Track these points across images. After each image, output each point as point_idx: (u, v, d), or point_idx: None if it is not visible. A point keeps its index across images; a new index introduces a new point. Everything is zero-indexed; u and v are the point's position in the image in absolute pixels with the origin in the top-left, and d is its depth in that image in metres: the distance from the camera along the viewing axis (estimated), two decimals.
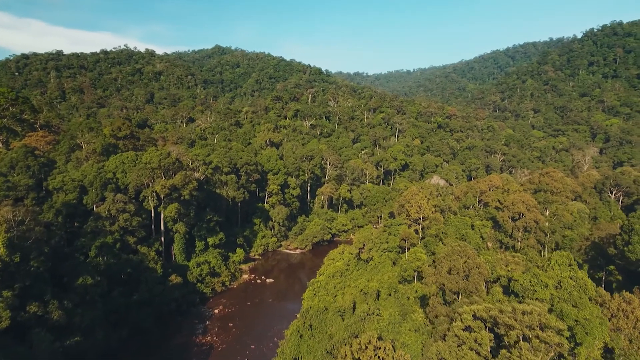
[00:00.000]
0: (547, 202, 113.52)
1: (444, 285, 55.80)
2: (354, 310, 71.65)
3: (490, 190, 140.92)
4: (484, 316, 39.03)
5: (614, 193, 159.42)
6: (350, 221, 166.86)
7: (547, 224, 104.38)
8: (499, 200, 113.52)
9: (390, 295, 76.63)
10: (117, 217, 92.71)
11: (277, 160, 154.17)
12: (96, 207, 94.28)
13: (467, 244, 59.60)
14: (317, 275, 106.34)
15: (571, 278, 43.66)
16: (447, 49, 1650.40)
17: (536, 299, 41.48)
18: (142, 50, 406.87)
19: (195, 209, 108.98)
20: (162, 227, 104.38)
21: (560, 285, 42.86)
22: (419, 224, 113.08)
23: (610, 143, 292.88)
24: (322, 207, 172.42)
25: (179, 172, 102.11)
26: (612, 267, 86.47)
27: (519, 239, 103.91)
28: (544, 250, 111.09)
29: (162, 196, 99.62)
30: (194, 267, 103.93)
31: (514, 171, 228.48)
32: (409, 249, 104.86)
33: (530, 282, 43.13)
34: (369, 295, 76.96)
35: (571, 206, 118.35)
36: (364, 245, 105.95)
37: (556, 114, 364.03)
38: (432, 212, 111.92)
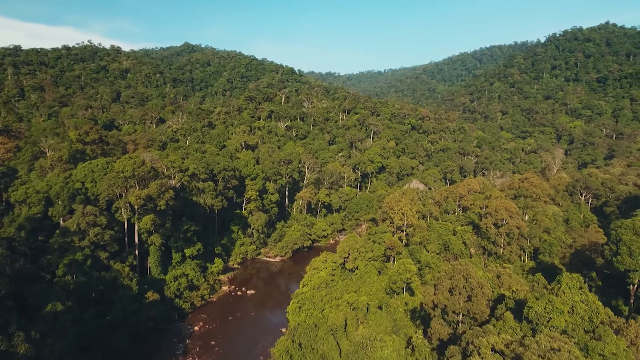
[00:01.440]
0: (527, 207, 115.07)
1: (446, 306, 54.18)
2: (345, 328, 69.14)
3: (469, 194, 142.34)
4: (505, 351, 37.27)
5: (583, 195, 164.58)
6: (330, 226, 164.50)
7: (527, 229, 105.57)
8: (481, 207, 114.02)
9: (381, 309, 74.66)
10: (87, 231, 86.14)
11: (254, 165, 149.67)
12: (64, 220, 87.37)
13: (467, 262, 58.39)
14: (301, 286, 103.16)
15: (582, 302, 42.96)
16: (417, 50, 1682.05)
17: (551, 326, 40.40)
18: (107, 46, 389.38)
19: (171, 219, 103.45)
20: (136, 240, 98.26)
21: (573, 310, 42.05)
22: (402, 231, 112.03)
23: (575, 145, 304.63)
24: (301, 212, 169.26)
25: (154, 181, 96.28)
26: (593, 273, 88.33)
27: (502, 246, 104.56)
28: (524, 255, 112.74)
29: (136, 207, 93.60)
30: (171, 281, 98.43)
31: (486, 173, 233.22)
32: (394, 257, 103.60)
33: (545, 308, 42.05)
34: (359, 310, 74.69)
35: (548, 210, 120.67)
36: (349, 254, 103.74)
37: (523, 116, 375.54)
38: (416, 219, 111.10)
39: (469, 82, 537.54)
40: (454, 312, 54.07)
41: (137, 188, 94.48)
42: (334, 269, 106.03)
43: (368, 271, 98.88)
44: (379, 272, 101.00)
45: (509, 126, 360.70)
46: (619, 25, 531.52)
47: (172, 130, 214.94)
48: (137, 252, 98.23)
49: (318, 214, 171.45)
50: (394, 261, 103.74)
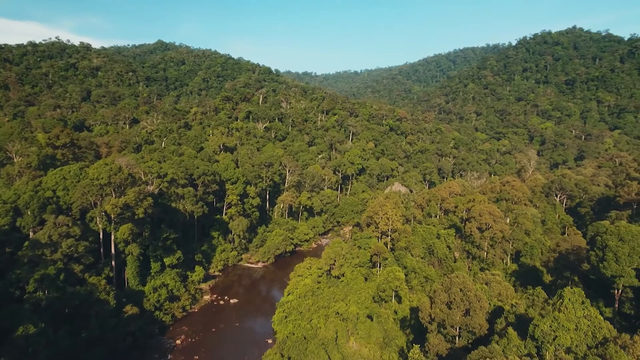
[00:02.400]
0: (509, 210, 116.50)
1: (443, 320, 53.24)
2: (336, 340, 67.43)
3: (450, 196, 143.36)
4: None
5: (558, 196, 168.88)
6: (312, 229, 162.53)
7: (510, 232, 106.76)
8: (464, 210, 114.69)
9: (371, 318, 73.36)
10: (59, 243, 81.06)
11: (235, 169, 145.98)
12: (34, 232, 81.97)
13: (464, 275, 57.72)
14: (285, 294, 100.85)
15: (585, 317, 42.75)
16: (393, 51, 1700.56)
17: (557, 344, 39.95)
18: (76, 43, 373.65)
19: (150, 227, 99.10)
20: (113, 250, 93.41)
21: (577, 327, 41.77)
22: (387, 236, 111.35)
23: (546, 145, 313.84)
24: (282, 215, 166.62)
25: (131, 188, 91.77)
26: (576, 277, 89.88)
27: (486, 249, 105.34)
28: (507, 258, 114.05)
29: (112, 216, 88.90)
30: (150, 293, 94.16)
31: (464, 174, 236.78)
32: (380, 263, 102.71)
33: (551, 326, 41.56)
34: (349, 321, 73.14)
35: (528, 212, 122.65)
36: (335, 261, 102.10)
37: (497, 117, 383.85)
38: (401, 224, 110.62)
39: (444, 83, 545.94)
40: (451, 326, 53.25)
41: (114, 196, 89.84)
42: (320, 276, 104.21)
43: (354, 278, 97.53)
44: (365, 279, 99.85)
45: (483, 127, 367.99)
46: (585, 30, 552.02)
47: (146, 131, 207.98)
48: (113, 263, 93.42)
49: (300, 218, 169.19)
50: (380, 267, 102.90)
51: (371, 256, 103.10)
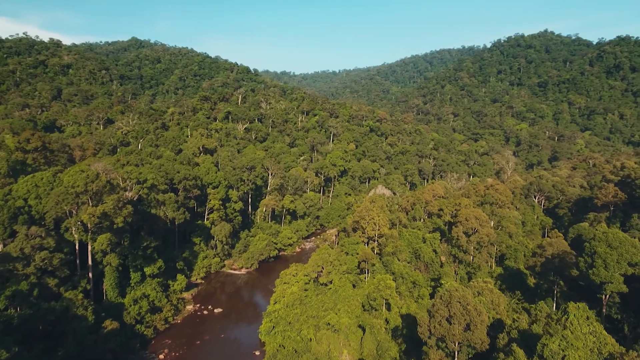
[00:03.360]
0: (493, 214, 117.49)
1: (443, 335, 52.22)
2: (329, 353, 65.64)
3: (434, 199, 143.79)
4: None
5: (537, 198, 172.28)
6: (295, 233, 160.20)
7: (495, 236, 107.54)
8: (450, 214, 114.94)
9: (363, 329, 71.96)
10: (32, 256, 76.10)
11: (216, 172, 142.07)
12: (4, 244, 76.69)
13: (464, 288, 56.91)
14: (272, 303, 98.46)
15: (591, 334, 42.44)
16: (371, 51, 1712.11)
17: None
18: (46, 39, 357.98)
19: (129, 235, 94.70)
20: (90, 262, 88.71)
21: (584, 344, 41.41)
22: (374, 241, 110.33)
23: (522, 146, 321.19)
24: (265, 219, 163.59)
25: (110, 195, 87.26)
26: (561, 282, 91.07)
27: (472, 254, 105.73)
28: (491, 260, 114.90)
29: (89, 226, 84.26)
30: (130, 305, 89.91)
31: (444, 175, 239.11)
32: (368, 270, 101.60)
33: (560, 345, 41.04)
34: (341, 332, 71.48)
35: (511, 215, 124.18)
36: (322, 268, 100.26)
37: (474, 118, 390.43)
38: (388, 229, 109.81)
39: (421, 84, 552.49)
40: (452, 341, 52.37)
41: (90, 204, 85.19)
42: (306, 283, 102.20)
43: (342, 285, 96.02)
44: (354, 285, 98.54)
45: (460, 128, 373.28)
46: (556, 34, 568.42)
47: (122, 132, 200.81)
48: (90, 274, 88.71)
49: (283, 221, 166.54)
50: (368, 273, 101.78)
51: (359, 262, 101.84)
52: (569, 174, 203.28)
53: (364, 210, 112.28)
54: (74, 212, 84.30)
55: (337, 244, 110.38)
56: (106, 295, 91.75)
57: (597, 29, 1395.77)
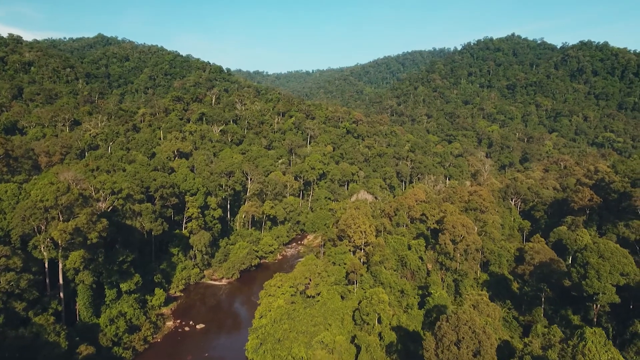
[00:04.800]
0: (477, 219, 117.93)
1: None
2: None
3: (416, 203, 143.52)
4: None
5: (513, 200, 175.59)
6: (276, 239, 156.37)
7: (481, 243, 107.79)
8: (436, 222, 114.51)
9: (356, 346, 69.60)
10: None
11: (194, 179, 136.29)
12: None
13: (472, 310, 55.38)
14: (257, 317, 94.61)
15: None
16: (344, 51, 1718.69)
17: None
18: (4, 34, 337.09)
19: (104, 250, 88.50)
20: (61, 280, 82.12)
21: None
22: (361, 250, 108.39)
23: (494, 148, 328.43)
24: (244, 225, 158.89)
25: (82, 209, 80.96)
26: (548, 289, 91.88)
27: (459, 261, 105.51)
28: (477, 266, 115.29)
29: (60, 243, 77.81)
30: (106, 326, 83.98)
31: (421, 177, 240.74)
32: (356, 280, 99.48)
33: None
34: (335, 352, 68.82)
35: (494, 220, 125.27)
36: (310, 279, 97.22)
37: (447, 119, 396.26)
38: (374, 237, 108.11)
39: (394, 86, 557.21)
40: None
41: (61, 219, 78.72)
42: (293, 295, 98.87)
43: (331, 297, 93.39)
44: (342, 297, 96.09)
45: (434, 129, 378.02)
46: (522, 37, 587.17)
47: (90, 135, 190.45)
48: (62, 294, 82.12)
49: (263, 227, 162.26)
50: (356, 284, 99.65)
51: (347, 273, 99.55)
52: (542, 176, 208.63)
53: (350, 218, 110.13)
54: (42, 228, 77.65)
55: (324, 253, 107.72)
56: (79, 315, 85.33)
57: (560, 33, 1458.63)
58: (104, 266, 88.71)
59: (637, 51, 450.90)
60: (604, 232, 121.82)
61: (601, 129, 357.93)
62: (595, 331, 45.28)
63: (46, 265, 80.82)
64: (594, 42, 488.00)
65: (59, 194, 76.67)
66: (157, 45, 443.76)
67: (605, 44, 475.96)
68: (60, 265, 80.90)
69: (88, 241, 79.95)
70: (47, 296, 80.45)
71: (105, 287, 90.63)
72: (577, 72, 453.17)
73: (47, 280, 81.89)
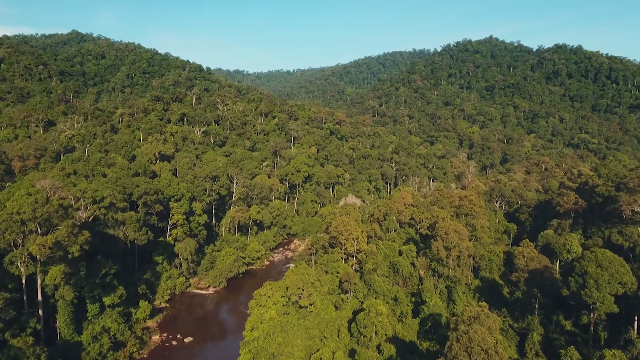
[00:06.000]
0: (468, 224, 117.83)
1: None
2: None
3: (405, 207, 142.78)
4: None
5: (498, 203, 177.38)
6: (263, 244, 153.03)
7: (474, 249, 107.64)
8: (428, 227, 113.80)
9: None
10: None
11: (178, 184, 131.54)
12: None
13: (482, 329, 54.04)
14: (248, 329, 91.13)
15: None
16: (324, 51, 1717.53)
17: None
18: None
19: (85, 263, 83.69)
20: (40, 297, 77.05)
21: None
22: (354, 257, 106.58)
23: (475, 149, 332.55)
24: (230, 231, 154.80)
25: (63, 220, 76.09)
26: (540, 296, 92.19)
27: (452, 267, 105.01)
28: (468, 272, 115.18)
29: (39, 258, 72.80)
30: (89, 343, 79.40)
31: (406, 179, 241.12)
32: (350, 290, 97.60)
33: None
34: None
35: (484, 225, 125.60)
36: (303, 290, 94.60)
37: (428, 120, 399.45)
38: (366, 244, 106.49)
39: (376, 86, 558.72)
40: None
41: (40, 232, 73.73)
42: (284, 305, 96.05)
43: (325, 308, 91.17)
44: (336, 307, 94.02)
45: (416, 130, 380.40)
46: (500, 40, 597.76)
47: (66, 136, 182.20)
48: (41, 312, 77.07)
49: (249, 233, 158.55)
50: (350, 293, 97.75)
51: (340, 282, 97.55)
52: (524, 177, 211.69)
53: (342, 225, 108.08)
54: (19, 242, 72.51)
55: (315, 262, 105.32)
56: (60, 333, 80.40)
57: (536, 35, 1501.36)
58: (85, 280, 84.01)
59: (609, 55, 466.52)
60: (589, 235, 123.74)
61: (576, 130, 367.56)
62: (615, 354, 44.72)
63: (23, 281, 75.65)
64: (569, 45, 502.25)
65: (37, 205, 71.72)
66: (134, 43, 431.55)
67: (579, 47, 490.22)
68: (39, 281, 75.92)
69: (69, 255, 75.14)
70: (24, 314, 75.31)
71: (87, 301, 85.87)
72: (552, 74, 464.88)
73: (25, 298, 76.68)
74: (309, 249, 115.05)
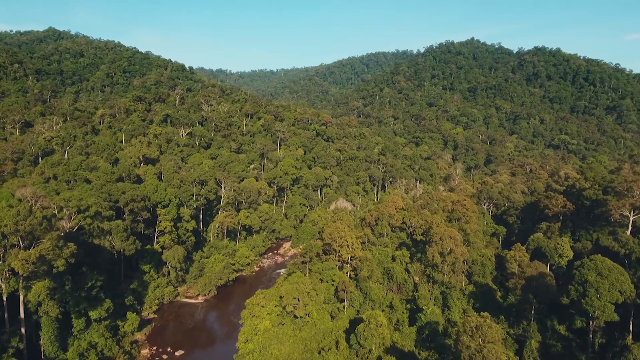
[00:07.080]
0: (461, 229, 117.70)
1: None
2: None
3: (396, 211, 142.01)
4: None
5: (486, 205, 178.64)
6: (252, 250, 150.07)
7: (468, 254, 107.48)
8: (422, 233, 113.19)
9: None
10: None
11: (166, 190, 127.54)
12: None
13: (496, 348, 53.00)
14: (242, 341, 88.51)
15: None
16: (308, 51, 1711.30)
17: None
18: None
19: (71, 277, 79.58)
20: (22, 314, 72.73)
21: None
22: (348, 264, 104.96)
23: (459, 150, 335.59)
24: (218, 236, 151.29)
25: (46, 233, 71.92)
26: (535, 302, 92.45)
27: (447, 273, 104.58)
28: (462, 276, 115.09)
29: (22, 273, 68.55)
30: None
31: (394, 181, 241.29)
32: (346, 299, 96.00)
33: None
34: None
35: (476, 229, 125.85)
36: (298, 300, 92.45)
37: (413, 121, 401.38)
38: (361, 250, 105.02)
39: (360, 87, 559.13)
40: None
41: (22, 246, 69.49)
42: (278, 315, 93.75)
43: (321, 317, 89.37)
44: (332, 317, 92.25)
45: (401, 131, 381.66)
46: (482, 42, 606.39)
47: (44, 138, 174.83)
48: (23, 330, 72.79)
49: (238, 238, 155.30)
50: (346, 302, 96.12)
51: (336, 290, 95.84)
52: (510, 179, 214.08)
53: (335, 231, 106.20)
54: (0, 257, 68.14)
55: (310, 270, 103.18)
56: (44, 352, 76.17)
57: (516, 38, 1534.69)
58: (70, 294, 79.92)
59: (587, 57, 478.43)
60: (578, 238, 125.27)
61: (556, 131, 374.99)
62: None
63: (4, 298, 71.25)
64: (548, 47, 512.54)
65: (19, 218, 67.48)
66: (114, 41, 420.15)
67: (558, 50, 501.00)
68: (22, 298, 71.62)
69: (54, 269, 71.13)
70: (6, 333, 70.99)
71: (73, 316, 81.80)
72: (532, 76, 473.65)
73: (6, 315, 72.29)
74: (303, 257, 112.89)
